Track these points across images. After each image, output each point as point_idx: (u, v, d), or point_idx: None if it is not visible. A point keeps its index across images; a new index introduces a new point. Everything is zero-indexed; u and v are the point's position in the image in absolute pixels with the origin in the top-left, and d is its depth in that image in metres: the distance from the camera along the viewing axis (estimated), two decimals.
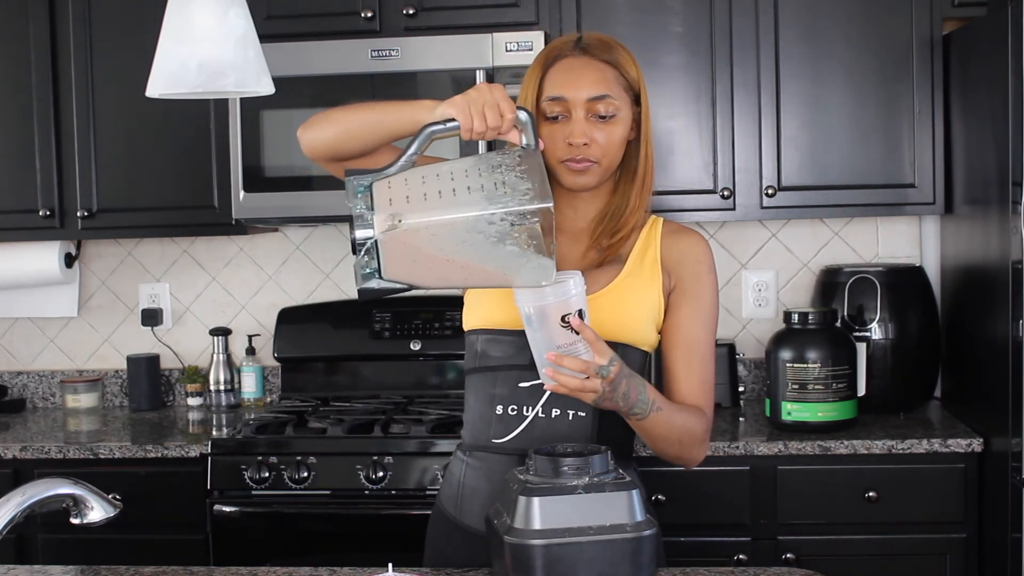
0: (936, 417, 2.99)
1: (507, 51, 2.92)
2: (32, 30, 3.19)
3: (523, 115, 1.66)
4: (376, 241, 1.54)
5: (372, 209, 1.55)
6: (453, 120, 1.64)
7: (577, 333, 1.61)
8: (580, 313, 1.62)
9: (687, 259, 1.86)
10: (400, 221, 1.54)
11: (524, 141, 1.67)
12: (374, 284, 1.57)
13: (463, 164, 1.62)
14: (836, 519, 2.72)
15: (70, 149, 3.20)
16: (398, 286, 1.57)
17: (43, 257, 3.40)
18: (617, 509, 1.52)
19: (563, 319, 1.61)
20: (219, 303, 3.55)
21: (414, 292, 3.42)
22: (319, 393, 3.37)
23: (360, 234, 1.54)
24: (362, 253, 1.54)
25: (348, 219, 1.57)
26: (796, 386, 2.81)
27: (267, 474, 2.81)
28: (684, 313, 1.84)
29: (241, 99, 3.00)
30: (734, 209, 3.02)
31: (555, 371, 1.62)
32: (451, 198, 1.56)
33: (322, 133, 1.80)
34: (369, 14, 3.05)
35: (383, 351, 3.35)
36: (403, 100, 1.76)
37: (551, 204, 1.57)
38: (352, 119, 1.78)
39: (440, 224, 1.55)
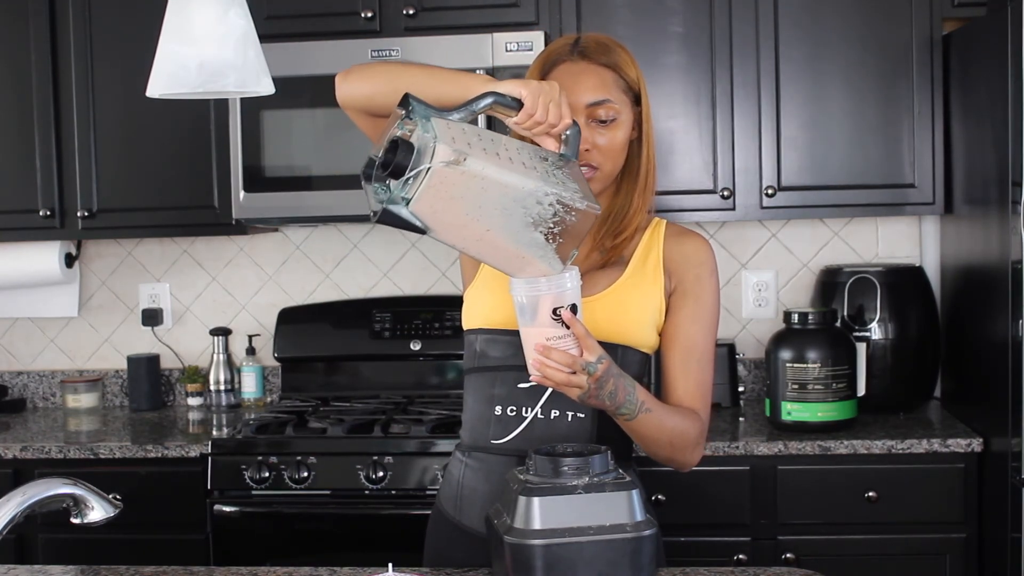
0: (936, 417, 2.99)
1: (507, 51, 2.92)
2: (32, 30, 3.19)
3: (575, 126, 1.65)
4: (428, 169, 1.48)
5: (437, 138, 1.49)
6: (517, 99, 1.60)
7: (568, 327, 1.61)
8: (573, 308, 1.61)
9: (689, 261, 1.86)
10: (465, 159, 1.49)
11: (562, 150, 1.66)
12: (394, 209, 1.50)
13: (513, 141, 1.60)
14: (836, 519, 2.72)
15: (70, 149, 3.20)
16: (416, 224, 1.51)
17: (43, 257, 3.40)
18: (617, 509, 1.52)
19: (555, 312, 1.60)
20: (219, 303, 3.56)
21: (413, 291, 3.46)
22: (319, 393, 3.37)
23: (416, 159, 1.48)
24: (405, 177, 1.48)
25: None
26: (796, 386, 2.81)
27: (267, 474, 2.81)
28: (683, 315, 1.84)
29: (241, 99, 3.00)
30: (734, 209, 3.02)
31: (542, 363, 1.62)
32: (508, 164, 1.53)
33: (362, 86, 1.75)
34: (369, 14, 3.05)
35: (383, 351, 3.35)
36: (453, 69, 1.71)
37: (599, 211, 1.58)
38: (399, 76, 1.71)
39: (497, 181, 1.51)
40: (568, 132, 1.65)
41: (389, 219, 1.51)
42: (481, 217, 1.52)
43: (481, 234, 1.55)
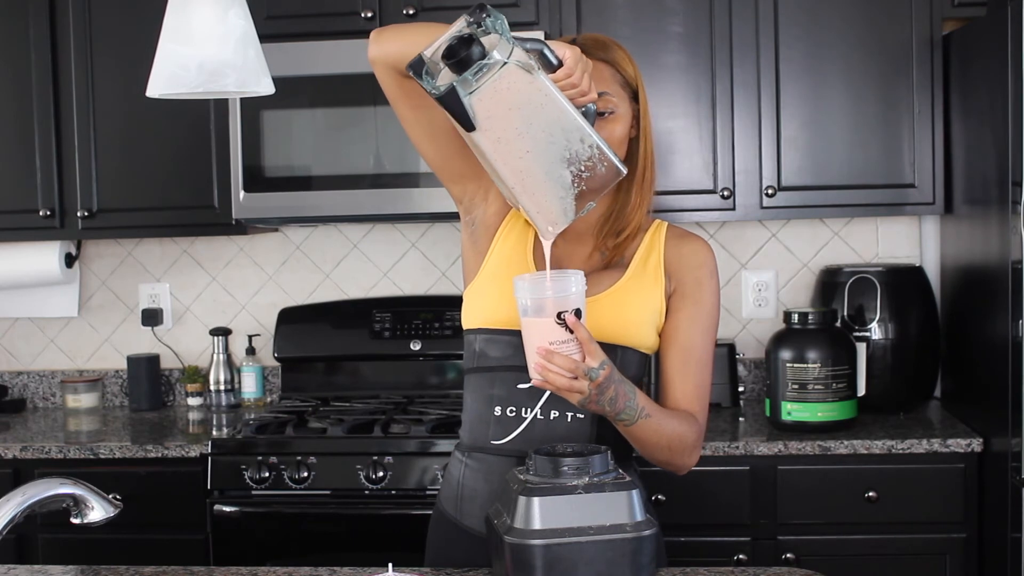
0: (936, 417, 2.99)
1: None
2: (32, 30, 3.19)
3: (593, 104, 1.68)
4: (503, 64, 1.52)
5: (515, 43, 1.54)
6: (559, 58, 1.60)
7: (571, 332, 1.61)
8: (577, 313, 1.61)
9: (689, 263, 1.86)
10: (537, 70, 1.55)
11: None
12: (460, 91, 1.53)
13: None
14: (836, 519, 2.72)
15: (70, 149, 3.20)
16: (469, 117, 1.55)
17: (43, 257, 3.40)
18: (617, 509, 1.52)
19: (559, 316, 1.60)
20: (219, 303, 3.56)
21: (413, 291, 3.46)
22: (319, 393, 3.37)
23: (498, 54, 1.52)
24: (479, 65, 1.52)
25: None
26: (796, 386, 2.81)
27: (267, 474, 2.81)
28: (682, 317, 1.83)
29: (241, 99, 3.00)
30: (734, 209, 3.02)
31: (544, 367, 1.62)
32: (566, 96, 1.59)
33: (398, 42, 1.73)
34: (369, 14, 3.05)
35: (383, 351, 3.35)
36: None
37: (625, 172, 1.64)
38: (439, 34, 1.69)
39: (556, 103, 1.57)
40: (591, 110, 1.67)
41: (450, 100, 1.54)
42: (527, 135, 1.57)
43: (520, 154, 1.59)
